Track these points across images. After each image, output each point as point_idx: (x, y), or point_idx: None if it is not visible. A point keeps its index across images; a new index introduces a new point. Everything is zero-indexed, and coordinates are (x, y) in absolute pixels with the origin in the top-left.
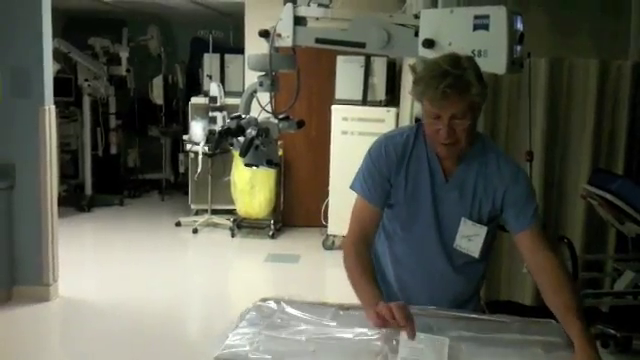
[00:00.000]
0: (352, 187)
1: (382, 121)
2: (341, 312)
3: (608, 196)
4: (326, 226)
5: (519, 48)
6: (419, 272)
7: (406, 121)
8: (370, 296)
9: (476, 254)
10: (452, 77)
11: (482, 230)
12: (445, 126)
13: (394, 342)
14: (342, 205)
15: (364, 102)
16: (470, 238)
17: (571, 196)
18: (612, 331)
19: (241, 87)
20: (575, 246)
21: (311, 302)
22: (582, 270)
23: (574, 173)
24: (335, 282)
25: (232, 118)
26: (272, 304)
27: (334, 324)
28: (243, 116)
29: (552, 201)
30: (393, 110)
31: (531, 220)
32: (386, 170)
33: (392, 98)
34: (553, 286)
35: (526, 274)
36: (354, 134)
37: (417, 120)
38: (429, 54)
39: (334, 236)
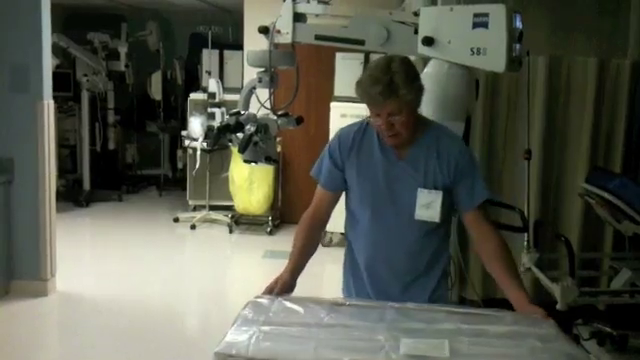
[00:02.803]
0: (311, 173)
1: None
2: (336, 307)
3: (606, 195)
4: None
5: (518, 46)
6: (384, 248)
7: None
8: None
9: (437, 219)
10: (381, 84)
11: (438, 195)
12: (384, 123)
13: (394, 341)
14: (340, 202)
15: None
16: (428, 206)
17: (569, 194)
18: (608, 329)
19: (240, 83)
20: (572, 244)
21: (305, 298)
22: (579, 268)
23: (572, 171)
24: (333, 279)
25: (231, 114)
26: (267, 301)
27: (332, 319)
28: (242, 112)
29: (550, 199)
30: None
31: (480, 198)
32: (339, 157)
33: None
34: (496, 255)
35: (522, 272)
36: None
37: None
38: (428, 52)
39: (332, 233)
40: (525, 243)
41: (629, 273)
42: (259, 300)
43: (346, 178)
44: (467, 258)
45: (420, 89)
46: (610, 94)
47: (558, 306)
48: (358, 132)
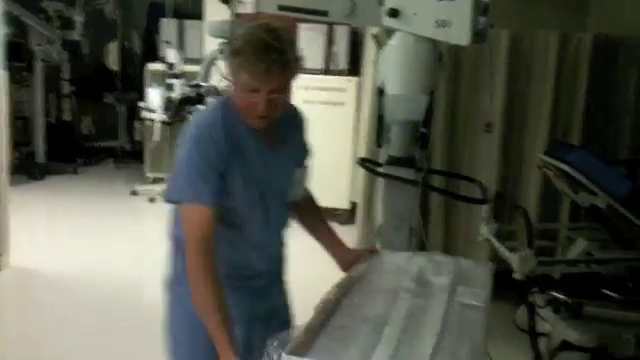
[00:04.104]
0: (177, 198)
1: (344, 90)
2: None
3: (564, 167)
4: None
5: (483, 19)
6: (269, 243)
7: (368, 90)
8: (229, 339)
9: (299, 195)
10: (275, 52)
11: (302, 172)
12: (264, 100)
13: None
14: None
15: (326, 71)
16: (300, 182)
17: (528, 167)
18: (564, 297)
19: (200, 54)
20: (530, 215)
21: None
22: (537, 239)
23: (531, 144)
24: (301, 254)
25: (191, 86)
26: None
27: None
28: (203, 84)
29: (509, 171)
30: (355, 80)
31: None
32: (216, 160)
33: (354, 67)
34: (315, 211)
35: (482, 242)
36: (315, 103)
37: (380, 91)
38: (393, 24)
39: None
40: (484, 214)
41: (585, 243)
42: None
43: (225, 186)
44: (427, 229)
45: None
46: (571, 68)
47: (515, 275)
48: (224, 126)
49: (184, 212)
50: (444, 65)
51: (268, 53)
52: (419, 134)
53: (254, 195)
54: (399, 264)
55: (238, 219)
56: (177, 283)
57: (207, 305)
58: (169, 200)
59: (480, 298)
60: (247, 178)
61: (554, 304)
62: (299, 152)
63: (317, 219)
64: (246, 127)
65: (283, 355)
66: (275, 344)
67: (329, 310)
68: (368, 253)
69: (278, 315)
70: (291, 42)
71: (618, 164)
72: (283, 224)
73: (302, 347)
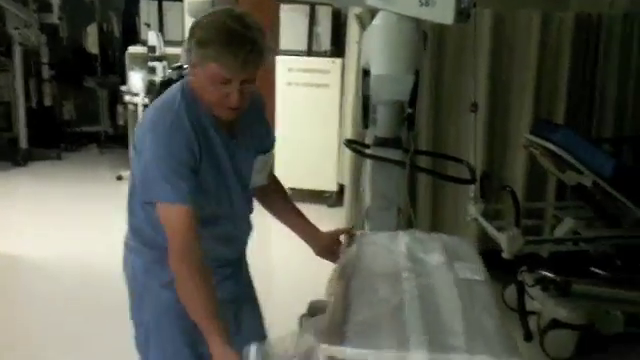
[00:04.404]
0: (151, 198)
1: (327, 72)
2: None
3: (550, 146)
4: None
5: None
6: (239, 238)
7: (352, 72)
8: (220, 332)
9: (265, 180)
10: (250, 43)
11: (268, 157)
12: (237, 91)
13: None
14: (288, 156)
15: (309, 53)
16: (262, 170)
17: (513, 146)
18: (552, 276)
19: (181, 36)
20: (517, 195)
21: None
22: (524, 218)
23: (516, 123)
24: (268, 233)
25: (173, 68)
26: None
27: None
28: (185, 66)
29: (495, 151)
30: (338, 61)
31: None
32: (187, 155)
33: (338, 48)
34: (282, 195)
35: (470, 221)
36: (299, 85)
37: (365, 71)
38: (377, 3)
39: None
40: (472, 194)
41: (572, 221)
42: None
43: (199, 179)
44: (415, 210)
45: None
46: (554, 47)
47: (504, 254)
48: (190, 118)
49: (162, 212)
50: (427, 44)
51: (241, 44)
52: (405, 114)
53: (222, 191)
54: (386, 245)
55: (207, 215)
56: (142, 274)
57: (194, 303)
58: (144, 201)
59: (479, 273)
60: (216, 174)
61: (543, 282)
62: (263, 140)
63: (284, 204)
64: (209, 118)
65: (320, 345)
66: (308, 334)
67: (345, 299)
68: (341, 234)
69: (246, 296)
70: (259, 28)
71: (602, 142)
72: (249, 212)
73: (336, 337)
